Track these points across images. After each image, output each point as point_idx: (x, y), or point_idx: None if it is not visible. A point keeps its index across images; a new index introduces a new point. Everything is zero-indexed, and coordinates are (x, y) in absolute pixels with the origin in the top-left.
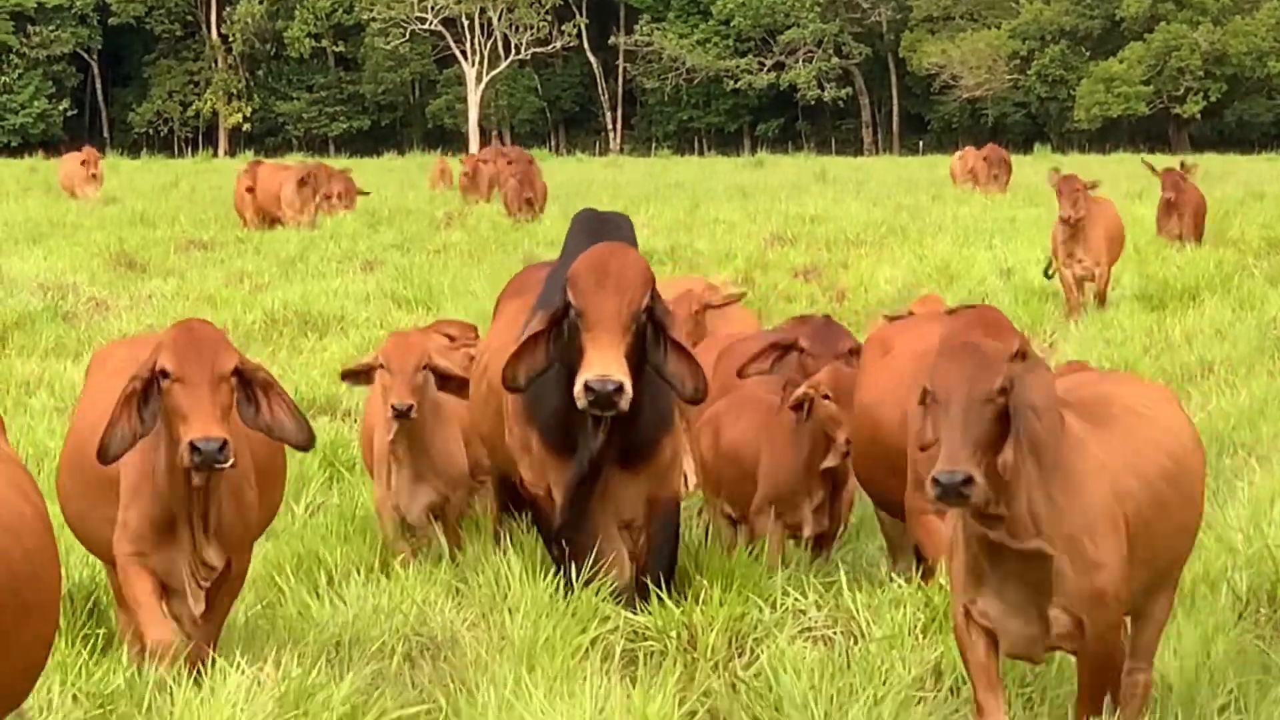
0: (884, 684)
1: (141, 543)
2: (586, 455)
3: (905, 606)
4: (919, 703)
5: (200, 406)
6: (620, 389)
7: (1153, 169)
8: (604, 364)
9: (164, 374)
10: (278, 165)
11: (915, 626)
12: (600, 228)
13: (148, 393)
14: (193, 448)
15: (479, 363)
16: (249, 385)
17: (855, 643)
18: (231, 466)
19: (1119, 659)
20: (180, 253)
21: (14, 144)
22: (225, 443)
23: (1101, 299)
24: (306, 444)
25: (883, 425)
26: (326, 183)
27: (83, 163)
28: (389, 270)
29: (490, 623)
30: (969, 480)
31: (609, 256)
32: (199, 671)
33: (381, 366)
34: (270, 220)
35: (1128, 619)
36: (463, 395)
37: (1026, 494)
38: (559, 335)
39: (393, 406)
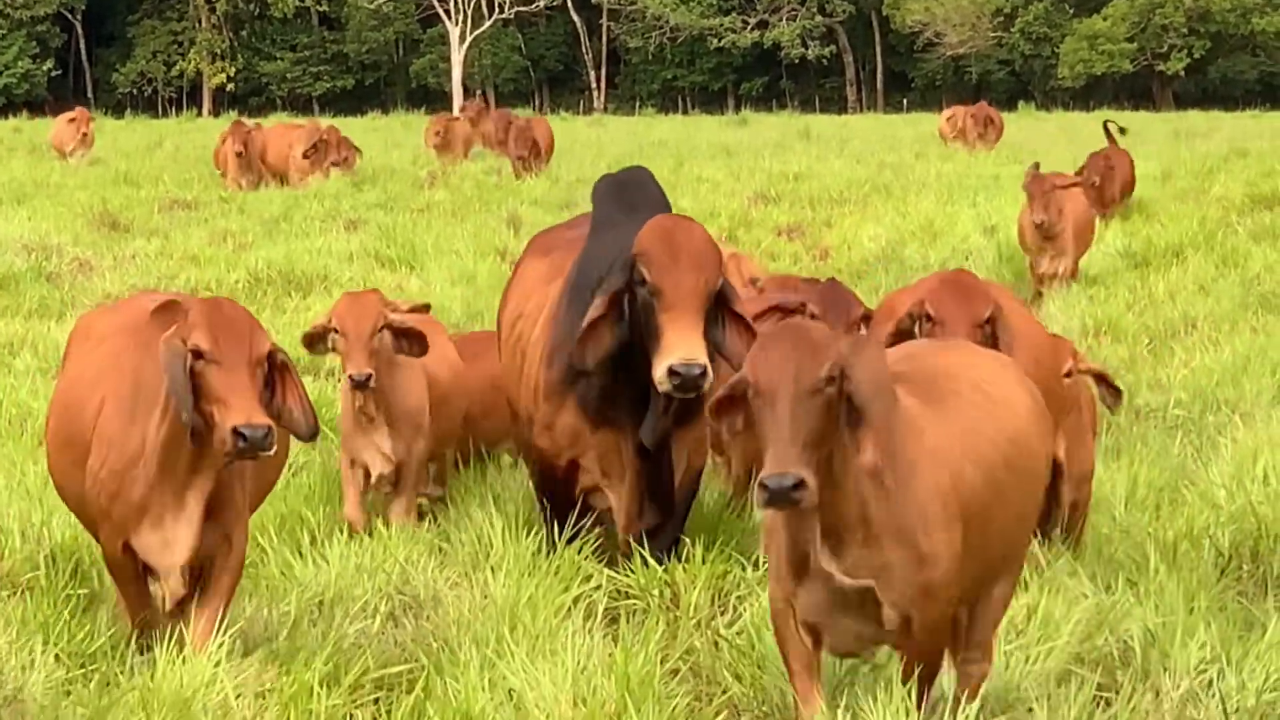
0: None
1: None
2: (653, 438)
3: None
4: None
5: (242, 390)
6: (705, 373)
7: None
8: (688, 347)
9: (197, 354)
10: (289, 124)
11: None
12: (628, 191)
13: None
14: (237, 433)
15: (511, 327)
16: (269, 369)
17: None
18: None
19: (941, 655)
20: (164, 212)
21: None
22: (270, 429)
23: (1072, 276)
24: (310, 435)
25: None
26: (336, 148)
27: (71, 121)
28: (372, 229)
29: (473, 581)
30: (800, 484)
31: (675, 229)
32: (180, 632)
33: (335, 330)
34: (274, 176)
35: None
36: (417, 354)
37: (854, 485)
38: (620, 315)
39: (350, 378)
